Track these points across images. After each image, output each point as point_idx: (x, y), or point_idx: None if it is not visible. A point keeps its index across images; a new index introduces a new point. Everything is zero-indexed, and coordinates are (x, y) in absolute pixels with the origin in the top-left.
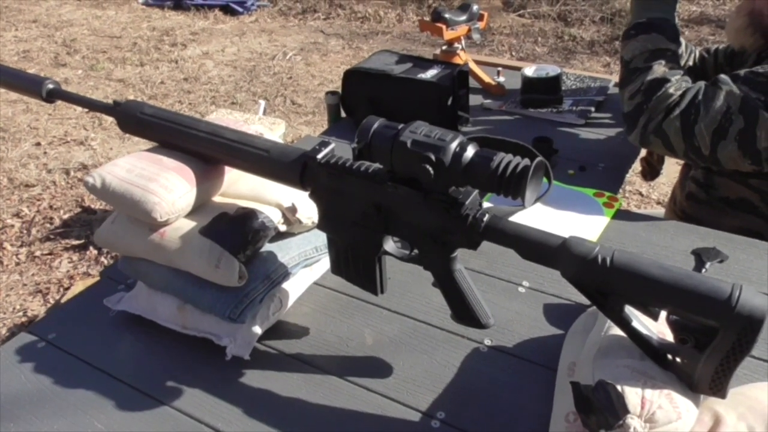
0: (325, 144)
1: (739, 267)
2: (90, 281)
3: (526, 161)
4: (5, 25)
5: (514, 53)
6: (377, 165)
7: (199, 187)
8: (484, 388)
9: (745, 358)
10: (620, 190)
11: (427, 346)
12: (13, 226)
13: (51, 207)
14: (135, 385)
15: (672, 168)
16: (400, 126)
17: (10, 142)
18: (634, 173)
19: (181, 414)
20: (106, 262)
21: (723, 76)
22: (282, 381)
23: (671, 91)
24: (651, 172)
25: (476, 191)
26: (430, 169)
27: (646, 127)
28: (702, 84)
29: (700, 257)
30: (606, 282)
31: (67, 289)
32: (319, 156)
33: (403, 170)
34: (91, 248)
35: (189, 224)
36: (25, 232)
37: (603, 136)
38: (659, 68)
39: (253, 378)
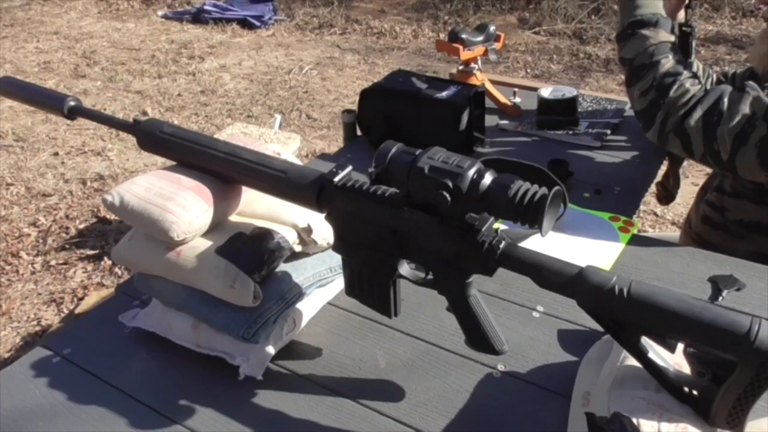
0: (342, 166)
1: (757, 295)
2: (104, 292)
3: (544, 190)
4: (27, 37)
5: (529, 70)
6: (394, 189)
7: (217, 207)
8: (497, 414)
9: (764, 393)
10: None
11: (440, 370)
12: (29, 235)
13: (67, 217)
14: (148, 403)
15: (687, 189)
16: (418, 151)
17: (28, 151)
18: (648, 194)
19: None
20: (120, 272)
21: (752, 83)
22: (294, 402)
23: (688, 86)
24: (667, 196)
25: (493, 218)
26: (447, 195)
27: (664, 123)
28: (728, 87)
29: (717, 285)
30: (622, 313)
31: (81, 299)
32: (336, 179)
33: (419, 196)
34: (105, 259)
35: (205, 243)
36: (41, 241)
37: (619, 159)
38: (668, 62)
39: (266, 398)
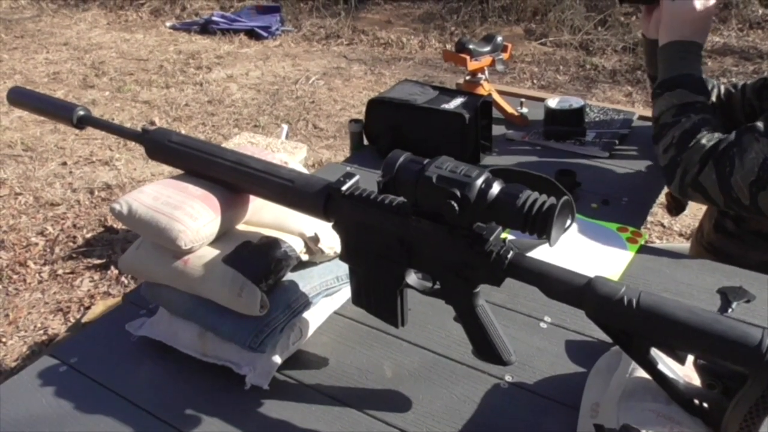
0: (349, 176)
1: (766, 307)
2: (111, 301)
3: (552, 200)
4: (37, 48)
5: (535, 81)
6: (401, 199)
7: (224, 216)
8: (504, 425)
9: None
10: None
11: (447, 380)
12: (37, 244)
13: (74, 226)
14: (154, 412)
15: None
16: (426, 161)
17: (37, 161)
18: (656, 205)
19: None
20: (126, 282)
21: (760, 127)
22: (301, 412)
23: (703, 142)
24: (677, 207)
25: (500, 227)
26: (455, 204)
27: (683, 179)
28: (733, 135)
29: (726, 296)
30: (631, 324)
31: (87, 308)
32: (344, 188)
33: (427, 205)
34: (112, 268)
35: (212, 252)
36: (48, 250)
37: (627, 169)
38: (688, 121)
39: (272, 408)
